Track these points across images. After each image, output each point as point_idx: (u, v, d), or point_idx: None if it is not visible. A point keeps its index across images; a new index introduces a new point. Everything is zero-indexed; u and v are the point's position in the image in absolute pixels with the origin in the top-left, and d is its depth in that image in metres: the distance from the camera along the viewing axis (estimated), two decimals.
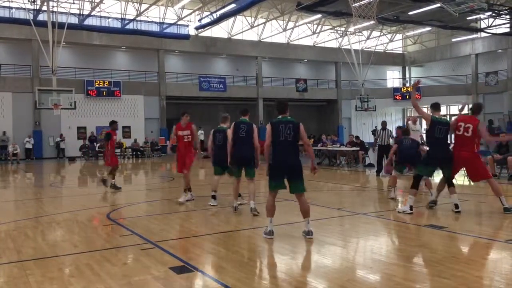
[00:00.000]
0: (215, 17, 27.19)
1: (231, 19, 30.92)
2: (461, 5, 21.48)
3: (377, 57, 37.56)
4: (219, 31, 32.81)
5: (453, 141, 7.83)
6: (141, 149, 28.62)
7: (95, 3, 25.50)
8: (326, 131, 28.87)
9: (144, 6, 26.48)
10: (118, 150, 24.13)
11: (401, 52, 42.07)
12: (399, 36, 39.98)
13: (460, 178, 12.63)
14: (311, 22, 33.13)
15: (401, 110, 40.75)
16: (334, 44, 37.02)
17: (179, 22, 29.07)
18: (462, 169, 7.74)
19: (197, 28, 29.76)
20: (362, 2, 19.68)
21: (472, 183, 8.64)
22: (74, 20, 25.41)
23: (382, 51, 39.92)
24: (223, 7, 25.85)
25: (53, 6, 22.81)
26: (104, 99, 29.24)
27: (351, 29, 33.07)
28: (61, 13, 24.26)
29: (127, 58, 31.91)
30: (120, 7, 27.87)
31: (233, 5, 24.75)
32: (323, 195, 10.38)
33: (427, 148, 7.76)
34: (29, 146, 26.75)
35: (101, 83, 29.06)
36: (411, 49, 41.71)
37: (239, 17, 31.17)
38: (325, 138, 21.19)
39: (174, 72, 32.58)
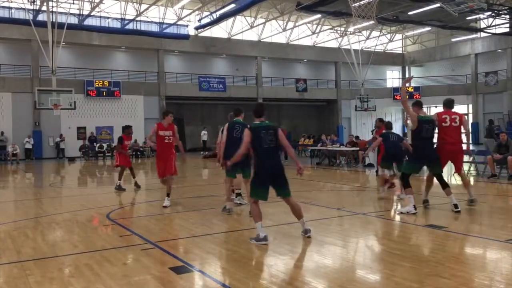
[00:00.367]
0: (214, 17, 27.20)
1: (231, 19, 30.93)
2: (460, 5, 21.49)
3: (376, 57, 37.57)
4: (218, 31, 32.82)
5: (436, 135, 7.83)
6: (141, 149, 28.62)
7: (95, 3, 25.50)
8: (326, 131, 28.91)
9: (144, 6, 26.48)
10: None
11: (401, 52, 42.09)
12: (398, 36, 39.99)
13: (458, 177, 12.64)
14: (311, 22, 33.14)
15: (400, 110, 40.70)
16: (333, 44, 37.03)
17: (178, 22, 29.08)
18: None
19: (196, 28, 29.77)
20: (362, 2, 19.68)
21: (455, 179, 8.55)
22: (73, 20, 25.42)
23: (382, 51, 39.93)
24: (223, 7, 25.86)
25: (52, 6, 22.80)
26: (104, 99, 29.24)
27: (351, 29, 33.08)
28: (61, 13, 24.25)
29: (126, 58, 31.90)
30: (119, 7, 27.86)
31: (232, 5, 24.75)
32: (323, 195, 10.38)
33: (414, 147, 7.75)
34: (28, 146, 26.75)
35: (101, 83, 29.06)
36: (411, 49, 41.72)
37: (238, 17, 31.17)
38: (325, 138, 21.20)
39: (173, 72, 32.60)
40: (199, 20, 28.96)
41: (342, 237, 6.15)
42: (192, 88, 32.37)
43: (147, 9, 26.48)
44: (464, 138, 8.03)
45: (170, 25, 28.88)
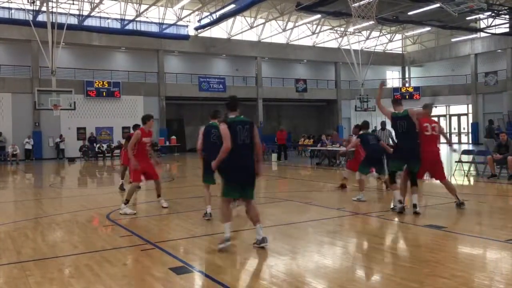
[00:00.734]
0: (214, 17, 27.20)
1: (231, 20, 30.93)
2: (460, 5, 21.50)
3: (376, 57, 37.57)
4: (218, 32, 32.82)
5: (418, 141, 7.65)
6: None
7: (95, 4, 25.50)
8: (326, 131, 28.87)
9: (143, 7, 26.48)
10: (117, 150, 24.37)
11: (401, 52, 42.09)
12: (398, 36, 40.00)
13: (460, 178, 12.65)
14: (311, 22, 33.14)
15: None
16: (333, 44, 37.04)
17: (178, 23, 29.08)
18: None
19: (196, 29, 29.77)
20: (362, 2, 19.69)
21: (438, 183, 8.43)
22: (73, 20, 25.41)
23: (382, 51, 39.93)
24: (223, 7, 25.86)
25: (52, 7, 22.80)
26: (104, 99, 29.24)
27: (351, 29, 33.09)
28: (61, 13, 24.23)
29: (126, 58, 31.91)
30: (119, 8, 27.86)
31: (232, 6, 24.75)
32: (323, 195, 10.38)
33: (396, 144, 7.77)
34: (28, 147, 26.76)
35: (101, 84, 29.05)
36: (411, 49, 41.73)
37: (238, 18, 31.17)
38: (325, 138, 21.19)
39: (173, 72, 32.60)
40: (199, 21, 28.97)
41: (342, 237, 6.15)
42: (192, 89, 32.37)
43: (147, 9, 26.48)
44: (444, 142, 8.21)
45: (170, 25, 28.88)
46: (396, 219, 7.08)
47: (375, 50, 37.54)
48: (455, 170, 13.72)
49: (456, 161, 14.09)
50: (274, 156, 22.01)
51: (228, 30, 32.87)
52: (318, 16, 29.18)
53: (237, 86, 34.35)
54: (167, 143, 30.47)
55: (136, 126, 10.92)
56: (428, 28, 33.63)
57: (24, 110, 26.78)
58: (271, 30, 33.98)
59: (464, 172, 13.30)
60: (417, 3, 24.34)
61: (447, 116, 38.85)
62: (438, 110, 38.64)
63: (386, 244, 5.97)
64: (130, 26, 27.79)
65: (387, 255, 5.37)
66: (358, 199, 8.75)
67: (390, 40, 39.53)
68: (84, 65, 29.41)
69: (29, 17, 23.43)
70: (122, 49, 31.16)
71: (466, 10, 22.37)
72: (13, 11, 25.24)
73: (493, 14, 26.32)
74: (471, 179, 12.60)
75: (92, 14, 26.32)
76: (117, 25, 27.93)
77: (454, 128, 38.54)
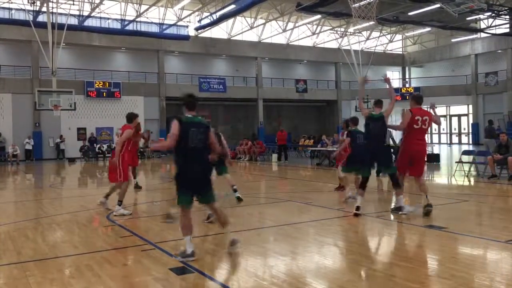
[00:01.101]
0: (214, 18, 27.19)
1: (231, 20, 30.93)
2: (460, 5, 21.50)
3: (376, 58, 37.57)
4: (219, 32, 32.83)
5: (403, 134, 7.58)
6: (141, 150, 28.60)
7: (95, 4, 25.50)
8: (326, 132, 28.87)
9: (144, 7, 26.47)
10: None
11: (401, 52, 42.09)
12: (398, 36, 40.00)
13: (460, 179, 12.64)
14: (311, 23, 33.14)
15: (400, 110, 40.68)
16: (334, 45, 37.03)
17: (178, 23, 29.07)
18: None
19: (197, 29, 29.77)
20: (362, 3, 19.69)
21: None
22: (74, 21, 25.41)
23: (382, 51, 39.93)
24: (223, 8, 25.85)
25: (52, 7, 22.81)
26: (104, 100, 29.24)
27: (351, 29, 33.09)
28: (61, 14, 24.24)
29: (127, 59, 31.91)
30: (120, 8, 27.87)
31: (232, 6, 24.75)
32: (323, 196, 10.37)
33: (365, 146, 7.66)
34: (29, 147, 26.77)
35: (101, 84, 29.06)
36: (411, 50, 41.73)
37: (238, 18, 31.18)
38: (325, 138, 21.13)
39: (174, 73, 32.60)
40: (199, 21, 28.96)
41: (342, 238, 6.15)
42: (192, 89, 32.29)
43: (147, 10, 26.48)
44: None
45: (170, 25, 28.88)
46: (396, 219, 7.08)
47: (376, 51, 37.54)
48: (456, 170, 13.71)
49: (456, 162, 14.09)
50: (274, 156, 22.02)
51: (228, 30, 32.88)
52: (318, 16, 29.16)
53: (237, 87, 34.36)
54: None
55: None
56: (428, 29, 33.62)
57: (25, 110, 26.78)
58: (271, 31, 33.98)
59: (465, 173, 13.29)
60: (417, 4, 24.34)
61: (447, 116, 38.84)
62: (438, 110, 38.55)
63: (386, 244, 5.96)
64: (130, 27, 27.79)
65: (387, 255, 5.37)
66: (349, 198, 8.68)
67: (390, 41, 39.53)
68: (85, 65, 29.42)
69: (29, 17, 23.42)
70: (122, 49, 31.17)
71: (466, 10, 22.37)
72: (13, 11, 25.25)
73: (493, 15, 26.31)
74: (472, 179, 12.60)
75: (92, 15, 26.32)
76: (117, 25, 27.94)
77: (455, 129, 38.52)
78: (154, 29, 29.00)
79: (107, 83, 29.27)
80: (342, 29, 34.46)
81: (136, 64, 31.51)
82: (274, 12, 31.01)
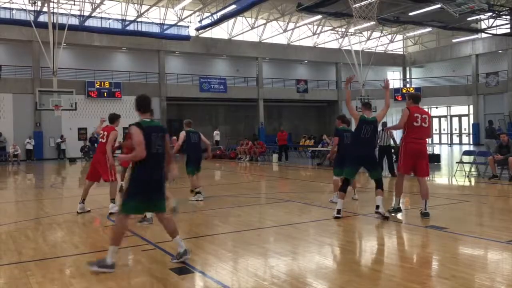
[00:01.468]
0: (215, 18, 27.21)
1: (232, 20, 30.94)
2: (461, 5, 21.50)
3: (377, 58, 37.56)
4: (219, 32, 32.84)
5: (403, 132, 7.43)
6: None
7: (96, 4, 25.52)
8: (327, 132, 28.87)
9: (144, 7, 26.50)
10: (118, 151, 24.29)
11: (402, 52, 42.08)
12: (399, 36, 40.00)
13: (461, 179, 12.64)
14: (312, 23, 33.15)
15: (401, 111, 40.53)
16: (334, 45, 37.03)
17: (179, 23, 29.10)
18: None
19: (197, 29, 29.79)
20: (363, 3, 19.69)
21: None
22: (74, 21, 25.45)
23: (383, 51, 39.93)
24: (224, 8, 25.87)
25: (53, 7, 22.83)
26: (105, 100, 29.26)
27: (352, 30, 33.09)
28: (62, 14, 24.27)
29: (127, 59, 31.93)
30: (120, 8, 27.89)
31: (233, 6, 24.77)
32: (324, 196, 10.36)
33: (351, 148, 7.39)
34: (29, 147, 26.79)
35: (102, 84, 29.08)
36: (412, 50, 41.72)
37: (239, 18, 31.19)
38: (326, 138, 21.11)
39: (174, 73, 32.62)
40: (200, 21, 28.98)
41: (342, 238, 6.15)
42: (193, 89, 32.39)
43: (147, 10, 26.51)
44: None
45: (171, 26, 28.90)
46: (397, 220, 7.08)
47: (376, 51, 37.53)
48: (456, 170, 13.71)
49: (457, 162, 14.08)
50: (275, 156, 22.02)
51: (229, 30, 32.89)
52: (319, 16, 29.17)
53: (238, 87, 34.38)
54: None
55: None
56: (429, 29, 33.63)
57: (25, 110, 26.81)
58: (272, 31, 33.99)
59: (465, 173, 13.29)
60: (418, 4, 24.34)
61: (448, 117, 38.83)
62: (439, 110, 38.61)
63: (387, 244, 5.96)
64: (131, 27, 27.82)
65: (388, 255, 5.37)
66: (331, 201, 8.56)
67: (391, 41, 39.54)
68: (85, 65, 29.44)
69: (30, 17, 23.45)
70: (123, 49, 31.19)
71: (467, 10, 22.36)
72: (14, 11, 25.28)
73: (494, 15, 26.32)
74: (472, 180, 12.59)
75: (93, 15, 26.34)
76: (118, 25, 27.97)
77: (455, 129, 38.51)
78: (155, 29, 29.03)
79: (108, 83, 29.30)
80: (343, 29, 34.47)
81: (137, 64, 31.54)
82: (275, 12, 31.02)
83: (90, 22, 26.76)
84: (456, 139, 37.84)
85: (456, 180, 12.66)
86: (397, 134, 16.44)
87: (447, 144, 37.15)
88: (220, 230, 6.79)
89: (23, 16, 24.58)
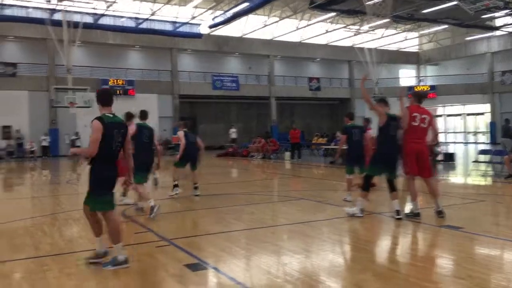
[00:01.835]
0: (227, 16, 27.22)
1: (244, 18, 30.92)
2: (476, 3, 21.22)
3: (391, 56, 37.26)
4: (231, 30, 32.83)
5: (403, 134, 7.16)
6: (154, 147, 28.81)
7: (109, 3, 25.70)
8: (340, 130, 28.77)
9: (157, 6, 26.62)
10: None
11: (416, 50, 41.66)
12: (413, 34, 39.58)
13: (477, 178, 12.49)
14: (324, 21, 32.95)
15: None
16: (347, 43, 36.81)
17: (192, 21, 29.17)
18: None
19: (210, 27, 29.83)
20: (376, 0, 19.54)
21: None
22: (88, 19, 25.66)
23: (396, 49, 39.58)
24: (236, 5, 25.87)
25: (68, 6, 23.06)
26: (119, 97, 29.41)
27: (365, 27, 32.82)
28: (76, 12, 24.52)
29: (140, 57, 32.14)
30: (134, 7, 28.06)
31: (245, 4, 24.75)
32: (337, 195, 10.33)
33: (379, 145, 7.04)
34: (45, 143, 27.14)
35: (116, 82, 29.32)
36: (426, 48, 41.29)
37: (251, 16, 31.15)
38: (339, 134, 20.80)
39: (187, 70, 32.74)
40: (212, 19, 29.02)
41: (356, 237, 6.13)
42: (205, 87, 32.48)
43: (160, 8, 26.62)
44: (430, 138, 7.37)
45: (184, 24, 28.99)
46: (412, 219, 7.02)
47: (390, 49, 37.22)
48: (472, 170, 13.55)
49: (473, 161, 13.92)
50: (287, 154, 21.98)
51: (241, 28, 32.87)
52: (332, 14, 28.99)
53: (250, 85, 34.38)
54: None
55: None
56: (443, 26, 33.22)
57: (41, 107, 27.14)
58: (284, 29, 33.89)
59: (481, 172, 13.13)
60: (432, 1, 24.10)
61: (463, 115, 38.36)
62: (454, 109, 38.17)
63: (402, 244, 5.92)
64: (144, 25, 27.97)
65: (403, 255, 5.33)
66: (345, 199, 8.52)
67: (405, 39, 39.14)
68: (100, 63, 29.70)
69: (45, 15, 23.72)
70: (136, 47, 31.39)
71: (482, 8, 22.06)
72: (30, 9, 25.57)
73: (509, 12, 25.89)
74: (488, 179, 12.43)
75: (106, 13, 26.55)
76: (131, 23, 28.14)
77: (471, 128, 38.03)
78: (168, 27, 29.14)
79: (121, 81, 29.52)
80: (356, 27, 34.22)
81: (150, 62, 31.72)
82: (287, 10, 30.91)
83: (104, 20, 26.98)
84: (471, 138, 37.37)
85: (472, 180, 12.51)
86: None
87: (463, 143, 36.71)
88: (234, 227, 6.80)
89: (39, 15, 24.87)
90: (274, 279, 4.35)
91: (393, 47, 38.74)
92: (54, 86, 24.13)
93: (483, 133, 36.78)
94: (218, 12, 28.70)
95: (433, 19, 28.96)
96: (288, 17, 31.95)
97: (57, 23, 23.28)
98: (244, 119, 35.46)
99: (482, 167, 13.45)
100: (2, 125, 26.82)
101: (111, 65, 30.03)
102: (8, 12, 24.66)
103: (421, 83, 40.19)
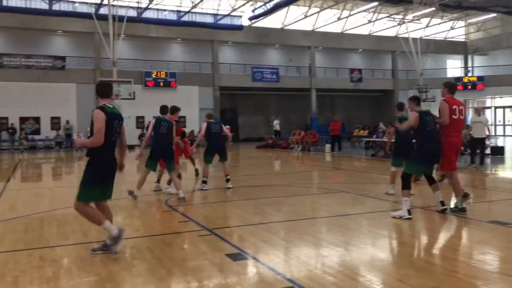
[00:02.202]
0: (268, 7, 27.13)
1: (285, 9, 30.71)
2: None
3: (437, 46, 35.99)
4: (272, 21, 32.70)
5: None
6: (196, 138, 29.26)
7: None
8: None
9: None
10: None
11: (463, 40, 40.07)
12: (461, 23, 38.03)
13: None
14: (367, 10, 32.22)
15: (462, 100, 38.85)
16: (391, 33, 35.87)
17: (232, 13, 29.28)
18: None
19: (250, 19, 29.85)
20: None
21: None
22: (133, 13, 26.29)
23: (443, 39, 38.19)
24: None
25: (113, 0, 23.67)
26: (161, 89, 30.07)
27: (410, 16, 31.83)
28: (121, 6, 25.17)
29: (182, 49, 32.62)
30: (176, 0, 28.47)
31: None
32: (379, 188, 10.15)
33: (419, 144, 6.73)
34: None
35: (158, 74, 29.94)
36: (474, 37, 39.59)
37: (292, 7, 30.89)
38: (382, 126, 20.23)
39: (227, 63, 32.95)
40: (253, 11, 29.02)
41: (398, 231, 6.01)
42: (245, 79, 32.59)
43: (202, 0, 26.86)
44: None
45: (224, 16, 29.16)
46: (457, 214, 6.81)
47: (436, 38, 35.95)
48: None
49: None
50: (327, 147, 21.77)
51: (281, 19, 32.68)
52: (375, 3, 28.32)
53: (291, 76, 34.20)
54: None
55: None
56: (493, 15, 31.71)
57: (88, 99, 28.02)
58: (325, 19, 33.40)
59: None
60: None
61: None
62: (503, 101, 36.54)
63: (447, 239, 5.77)
64: (186, 18, 28.37)
65: (448, 250, 5.19)
66: (387, 193, 8.40)
67: (452, 28, 37.68)
68: (143, 56, 30.37)
69: (92, 10, 24.47)
70: (178, 40, 31.87)
71: None
72: (76, 4, 26.49)
73: None
74: None
75: (150, 7, 27.09)
76: (173, 16, 28.62)
77: None
78: (209, 19, 29.40)
79: (164, 73, 30.10)
80: (400, 16, 33.26)
81: (191, 54, 32.14)
82: (329, 0, 30.44)
83: (147, 14, 27.57)
84: None
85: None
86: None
87: None
88: (274, 218, 6.84)
89: (85, 9, 25.72)
90: (314, 271, 4.35)
91: (440, 37, 37.39)
92: (100, 79, 24.89)
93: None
94: (259, 4, 28.66)
95: (482, 7, 27.74)
96: (329, 7, 31.46)
97: (103, 17, 23.97)
98: (283, 111, 35.34)
99: None
100: (52, 116, 28.01)
101: (153, 58, 30.66)
102: (56, 7, 25.65)
103: (469, 74, 38.65)
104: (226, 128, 10.37)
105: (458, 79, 36.30)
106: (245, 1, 28.79)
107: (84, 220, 6.66)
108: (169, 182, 9.07)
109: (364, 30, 35.55)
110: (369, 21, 33.64)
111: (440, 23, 35.25)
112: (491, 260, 4.70)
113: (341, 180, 12.07)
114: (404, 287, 3.90)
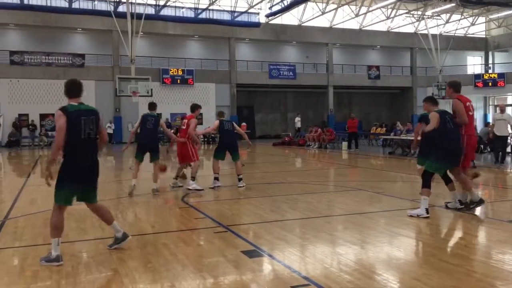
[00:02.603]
0: (285, 4, 27.04)
1: (302, 6, 30.56)
2: None
3: (456, 42, 35.39)
4: (289, 18, 32.59)
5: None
6: (213, 135, 29.34)
7: None
8: (400, 120, 27.85)
9: None
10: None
11: (484, 36, 39.30)
12: (481, 19, 37.31)
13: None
14: (385, 7, 31.87)
15: (482, 98, 38.23)
16: (409, 29, 35.40)
17: (249, 10, 29.27)
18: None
19: (267, 16, 29.79)
20: None
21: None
22: (150, 10, 26.50)
23: (463, 35, 37.54)
24: None
25: None
26: (178, 86, 30.28)
27: (429, 12, 31.37)
28: (139, 4, 25.38)
29: (199, 46, 32.75)
30: None
31: None
32: (396, 186, 10.05)
33: (440, 142, 6.46)
34: (110, 131, 28.47)
35: (176, 72, 30.11)
36: (495, 33, 38.81)
37: (309, 3, 30.72)
38: (399, 124, 20.20)
39: (244, 60, 32.97)
40: (270, 8, 28.95)
41: (416, 230, 5.93)
42: (262, 76, 32.57)
43: None
44: None
45: (241, 13, 29.18)
46: (476, 213, 6.70)
47: (455, 35, 35.36)
48: None
49: None
50: (344, 144, 21.64)
51: (299, 16, 32.54)
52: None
53: (308, 73, 34.05)
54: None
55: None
56: None
57: (106, 96, 28.44)
58: (343, 16, 33.14)
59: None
60: None
61: None
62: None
63: (466, 238, 5.67)
64: (203, 15, 28.49)
65: (467, 250, 5.10)
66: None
67: (472, 24, 37.00)
68: (160, 53, 30.59)
69: (110, 8, 24.73)
70: (195, 37, 32.00)
71: None
72: (96, 2, 26.81)
73: None
74: None
75: (167, 4, 27.26)
76: (190, 14, 28.75)
77: None
78: (226, 17, 29.47)
79: (181, 71, 30.28)
80: (419, 13, 32.80)
81: (208, 51, 32.24)
82: None
83: (165, 11, 27.77)
84: None
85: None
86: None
87: None
88: (289, 216, 6.82)
89: (104, 7, 26.01)
90: (330, 269, 4.33)
91: (460, 33, 36.74)
92: (118, 76, 25.15)
93: None
94: (276, 1, 28.57)
95: (504, 3, 27.17)
96: (347, 3, 31.20)
97: (121, 15, 24.19)
98: (300, 108, 35.24)
99: None
100: None
101: (171, 55, 30.85)
102: (76, 5, 26.00)
103: (489, 71, 37.92)
104: (242, 126, 10.52)
105: (479, 76, 35.70)
106: None
107: None
108: (193, 178, 9.15)
109: (382, 27, 35.17)
110: (388, 17, 33.27)
111: (460, 19, 34.64)
112: (511, 260, 4.61)
113: (358, 178, 11.98)
114: (421, 286, 3.85)
